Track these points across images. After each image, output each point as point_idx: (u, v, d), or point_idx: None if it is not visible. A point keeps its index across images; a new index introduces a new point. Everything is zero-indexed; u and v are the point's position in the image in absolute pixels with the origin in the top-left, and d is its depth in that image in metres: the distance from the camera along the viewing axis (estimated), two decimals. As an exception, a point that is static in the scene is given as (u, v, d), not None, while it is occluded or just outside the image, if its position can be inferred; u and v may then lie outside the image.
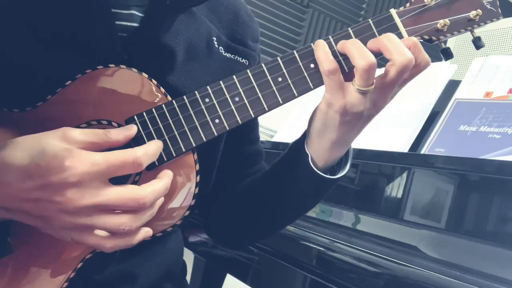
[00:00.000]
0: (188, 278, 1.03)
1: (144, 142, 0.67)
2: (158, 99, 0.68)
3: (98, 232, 0.62)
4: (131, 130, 0.65)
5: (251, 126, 0.91)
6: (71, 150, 0.59)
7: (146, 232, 0.65)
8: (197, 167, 0.69)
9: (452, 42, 1.64)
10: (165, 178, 0.66)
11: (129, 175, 0.68)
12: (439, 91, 1.16)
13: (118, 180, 0.63)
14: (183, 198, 0.68)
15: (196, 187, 0.69)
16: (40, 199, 0.59)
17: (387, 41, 0.66)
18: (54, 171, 0.58)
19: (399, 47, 0.65)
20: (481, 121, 1.01)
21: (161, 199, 0.66)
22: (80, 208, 0.59)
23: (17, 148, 0.59)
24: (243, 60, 0.85)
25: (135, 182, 0.68)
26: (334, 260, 0.93)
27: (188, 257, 1.05)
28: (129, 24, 0.74)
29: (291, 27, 3.03)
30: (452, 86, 1.15)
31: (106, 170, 0.60)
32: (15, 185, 0.59)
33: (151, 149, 0.65)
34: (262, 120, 0.95)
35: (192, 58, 0.78)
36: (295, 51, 0.70)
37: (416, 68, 0.67)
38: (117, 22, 0.72)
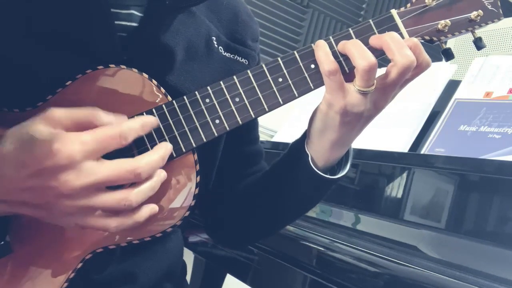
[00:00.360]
0: (188, 278, 1.03)
1: (144, 143, 0.67)
2: (158, 99, 0.68)
3: (101, 213, 0.62)
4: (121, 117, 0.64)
5: (251, 126, 0.90)
6: (58, 133, 0.58)
7: (151, 209, 0.64)
8: (197, 167, 0.69)
9: (452, 42, 1.64)
10: (161, 149, 0.65)
11: None
12: (439, 91, 1.16)
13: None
14: (183, 198, 0.68)
15: (196, 188, 0.69)
16: (36, 186, 0.59)
17: (390, 40, 0.66)
18: (45, 157, 0.58)
19: (402, 48, 0.65)
20: (481, 121, 1.01)
21: (163, 174, 0.64)
22: (77, 189, 0.59)
23: (7, 141, 0.59)
24: (243, 60, 0.85)
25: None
26: (334, 260, 0.93)
27: (188, 257, 1.05)
28: (128, 24, 0.74)
29: (291, 27, 3.03)
30: (452, 86, 1.15)
31: (95, 147, 0.59)
32: (10, 176, 0.59)
33: (136, 123, 0.63)
34: (262, 120, 0.95)
35: (192, 58, 0.78)
36: (295, 52, 0.70)
37: (417, 69, 0.67)
38: (116, 22, 0.72)
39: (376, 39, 0.67)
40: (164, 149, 0.65)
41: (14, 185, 0.59)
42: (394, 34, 0.67)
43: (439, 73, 1.19)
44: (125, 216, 0.63)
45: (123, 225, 0.63)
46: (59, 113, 0.60)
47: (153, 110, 0.68)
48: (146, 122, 0.65)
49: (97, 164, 0.60)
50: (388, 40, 0.66)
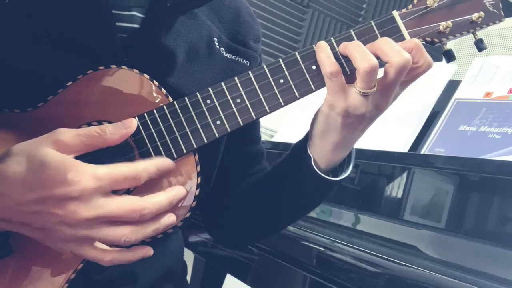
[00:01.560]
0: (188, 278, 1.03)
1: (145, 143, 0.67)
2: (159, 100, 0.68)
3: (98, 245, 0.62)
4: (128, 128, 0.64)
5: (252, 126, 0.90)
6: (72, 163, 0.58)
7: (146, 251, 0.65)
8: (198, 168, 0.69)
9: (452, 42, 1.64)
10: (171, 192, 0.65)
11: None
12: (439, 91, 1.16)
13: None
14: (185, 199, 0.68)
15: (197, 189, 0.69)
16: (41, 211, 0.59)
17: (383, 44, 0.66)
18: (56, 184, 0.57)
19: (395, 48, 0.65)
20: (481, 121, 1.01)
21: (172, 219, 0.64)
22: (81, 220, 0.59)
23: (13, 160, 0.59)
24: (244, 61, 0.84)
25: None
26: (334, 260, 0.93)
27: (188, 257, 1.05)
28: (129, 25, 0.74)
29: (291, 27, 3.03)
30: (452, 86, 1.15)
31: (108, 183, 0.60)
32: (16, 197, 0.58)
33: (152, 166, 0.63)
34: (262, 120, 0.95)
35: (193, 59, 0.78)
36: (296, 53, 0.70)
37: (418, 69, 0.67)
38: (117, 23, 0.72)
39: (370, 46, 0.67)
40: (174, 192, 0.65)
41: (18, 206, 0.59)
42: (385, 38, 0.67)
43: (439, 73, 1.19)
44: (120, 252, 0.63)
45: (116, 260, 0.63)
46: (68, 136, 0.60)
47: (154, 111, 0.68)
48: (162, 166, 0.65)
49: (106, 199, 0.60)
50: (380, 45, 0.66)
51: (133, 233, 0.61)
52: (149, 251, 0.65)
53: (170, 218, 0.64)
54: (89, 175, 0.58)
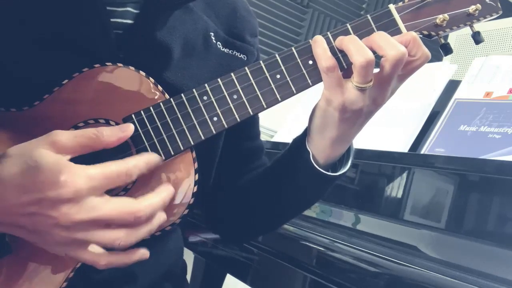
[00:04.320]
0: (188, 278, 1.03)
1: (142, 141, 0.67)
2: (156, 97, 0.68)
3: (93, 248, 0.62)
4: (126, 131, 0.64)
5: (251, 122, 0.90)
6: (66, 164, 0.58)
7: (142, 254, 0.65)
8: (196, 165, 0.69)
9: (452, 42, 1.63)
10: (163, 192, 0.65)
11: None
12: (439, 91, 1.16)
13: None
14: (182, 196, 0.68)
15: (195, 186, 0.68)
16: (35, 213, 0.58)
17: (378, 38, 0.66)
18: (50, 187, 0.57)
19: (390, 41, 0.65)
20: (481, 121, 1.01)
21: (162, 217, 0.64)
22: (75, 223, 0.59)
23: (8, 162, 0.58)
24: (241, 55, 0.84)
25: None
26: (334, 260, 0.93)
27: (188, 257, 1.05)
28: (124, 21, 0.73)
29: (291, 27, 3.03)
30: (452, 86, 1.15)
31: (101, 183, 0.59)
32: (10, 200, 0.58)
33: (141, 161, 0.63)
34: (262, 120, 0.95)
35: (189, 54, 0.78)
36: (293, 48, 0.70)
37: (416, 62, 0.67)
38: (112, 20, 0.71)
39: (365, 40, 0.67)
40: (166, 192, 0.65)
41: (12, 208, 0.59)
42: (381, 32, 0.67)
43: (439, 73, 1.19)
44: (116, 255, 0.63)
45: (112, 263, 0.63)
46: (64, 137, 0.60)
47: (151, 108, 0.68)
48: (150, 160, 0.65)
49: (101, 201, 0.59)
50: (375, 39, 0.66)
51: (127, 236, 0.61)
52: (145, 253, 0.65)
53: (161, 217, 0.64)
54: (82, 175, 0.58)
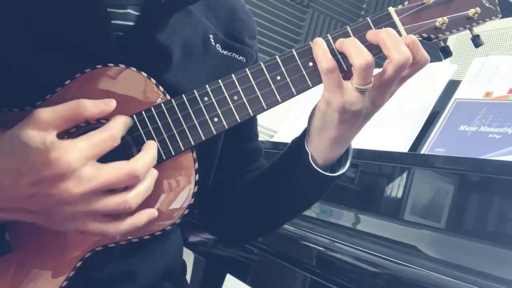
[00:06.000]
0: (188, 278, 1.03)
1: (143, 141, 0.67)
2: (157, 98, 0.68)
3: (101, 218, 0.62)
4: (108, 105, 0.64)
5: (250, 123, 0.91)
6: (53, 141, 0.59)
7: (150, 213, 0.65)
8: (196, 165, 0.69)
9: (452, 42, 1.64)
10: (151, 148, 0.65)
11: None
12: (439, 91, 1.16)
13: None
14: (183, 197, 0.68)
15: (195, 186, 0.69)
16: (36, 194, 0.59)
17: (387, 37, 0.66)
18: (43, 166, 0.58)
19: (398, 45, 0.65)
20: (481, 121, 1.01)
21: (155, 173, 0.65)
22: (77, 196, 0.59)
23: (1, 148, 0.59)
24: (240, 57, 0.85)
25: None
26: (334, 260, 0.93)
27: (188, 257, 1.05)
28: (125, 23, 0.74)
29: (291, 27, 3.03)
30: (452, 86, 1.15)
31: (92, 152, 0.60)
32: (8, 185, 0.59)
33: (118, 123, 0.64)
34: (262, 120, 0.95)
35: (189, 56, 0.78)
36: (293, 50, 0.70)
37: (415, 65, 0.67)
38: (112, 21, 0.72)
39: (373, 35, 0.68)
40: (153, 148, 0.66)
41: (13, 193, 0.59)
42: (390, 30, 0.67)
43: (439, 73, 1.19)
44: (125, 220, 0.63)
45: (123, 229, 0.63)
46: (45, 114, 0.60)
47: (152, 108, 0.68)
48: (126, 123, 0.65)
49: (96, 169, 0.60)
50: (384, 37, 0.66)
51: (130, 197, 0.62)
52: (153, 212, 0.65)
53: (154, 173, 0.65)
54: (71, 149, 0.59)
